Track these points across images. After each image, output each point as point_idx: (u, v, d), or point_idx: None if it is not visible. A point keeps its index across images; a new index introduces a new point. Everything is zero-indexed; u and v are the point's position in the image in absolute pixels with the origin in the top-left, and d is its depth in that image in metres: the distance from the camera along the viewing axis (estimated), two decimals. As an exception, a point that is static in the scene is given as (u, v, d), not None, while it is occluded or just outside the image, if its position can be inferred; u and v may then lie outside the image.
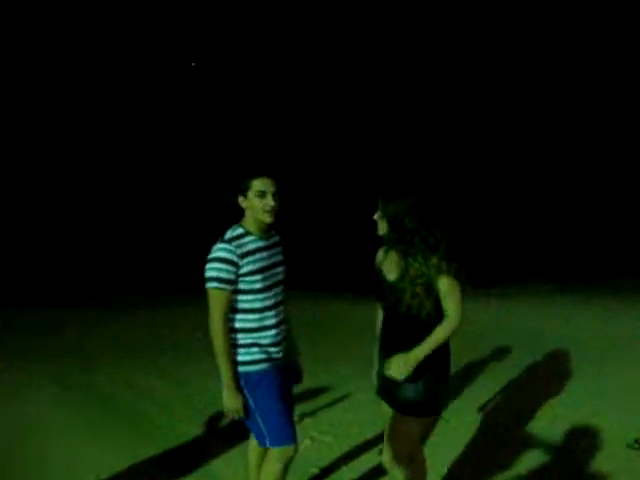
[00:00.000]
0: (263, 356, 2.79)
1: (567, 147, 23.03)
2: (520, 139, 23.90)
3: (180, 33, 29.05)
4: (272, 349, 2.82)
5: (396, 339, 2.83)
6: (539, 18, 23.86)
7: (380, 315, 3.01)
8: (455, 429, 4.44)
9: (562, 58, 23.48)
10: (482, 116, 24.58)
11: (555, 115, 23.62)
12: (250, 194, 2.71)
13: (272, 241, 2.86)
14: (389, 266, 2.83)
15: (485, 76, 24.57)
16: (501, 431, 4.45)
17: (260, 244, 2.76)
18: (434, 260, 2.68)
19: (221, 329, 2.67)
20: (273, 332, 2.82)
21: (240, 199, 2.74)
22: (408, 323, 2.76)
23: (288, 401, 2.94)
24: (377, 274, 2.91)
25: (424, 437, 3.04)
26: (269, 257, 2.80)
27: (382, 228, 2.81)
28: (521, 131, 24.01)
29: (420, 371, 2.75)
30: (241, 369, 2.76)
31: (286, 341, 2.95)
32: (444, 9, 25.07)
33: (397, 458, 2.90)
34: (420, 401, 2.78)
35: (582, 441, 4.25)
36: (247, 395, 2.76)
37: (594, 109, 22.98)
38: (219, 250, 2.66)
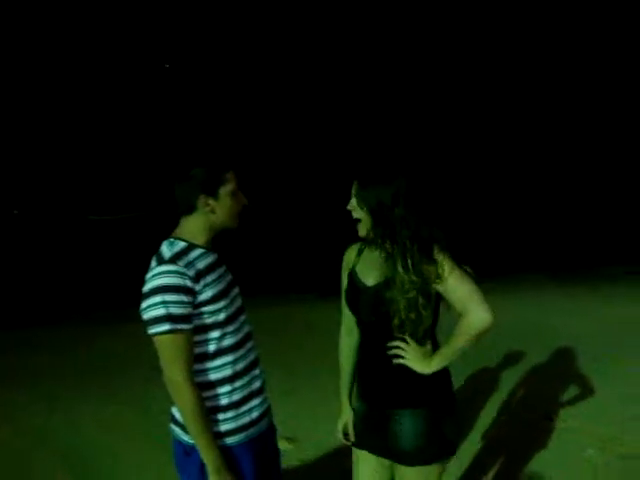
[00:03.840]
0: (242, 420, 2.00)
1: (557, 139, 22.79)
2: (511, 131, 23.58)
3: (154, 35, 28.44)
4: (254, 402, 2.04)
5: (385, 366, 2.11)
6: (539, 18, 23.62)
7: (349, 337, 2.29)
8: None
9: (562, 51, 23.22)
10: (473, 107, 24.19)
11: (547, 107, 23.34)
12: (222, 192, 1.96)
13: (217, 256, 2.05)
14: (367, 268, 2.13)
15: (480, 69, 24.23)
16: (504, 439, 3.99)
17: (211, 259, 1.97)
18: (435, 256, 2.01)
19: (189, 390, 1.83)
20: (248, 378, 2.03)
21: (201, 200, 1.94)
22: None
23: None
24: (350, 280, 2.17)
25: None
26: (224, 275, 2.02)
27: (363, 224, 2.08)
28: (512, 123, 23.68)
29: (420, 398, 2.11)
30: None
31: (265, 388, 2.14)
32: (442, 7, 24.64)
33: None
34: (429, 441, 2.12)
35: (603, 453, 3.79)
36: None
37: (587, 102, 22.77)
38: (163, 275, 1.83)
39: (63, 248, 16.86)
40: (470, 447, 3.94)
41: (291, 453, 3.85)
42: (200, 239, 1.98)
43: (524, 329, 6.85)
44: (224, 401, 1.95)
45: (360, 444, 2.27)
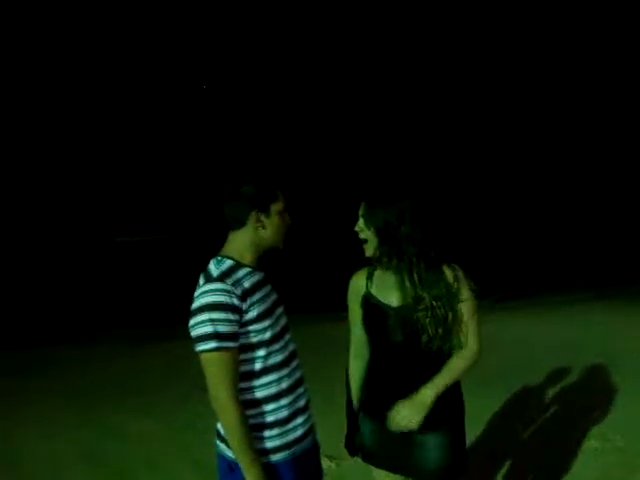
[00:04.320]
0: (285, 438, 1.99)
1: (573, 150, 22.37)
2: (523, 141, 23.22)
3: (191, 56, 28.95)
4: (298, 419, 2.03)
5: (409, 387, 2.14)
6: (539, 18, 23.39)
7: (358, 361, 2.33)
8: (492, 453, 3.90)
9: (562, 58, 22.97)
10: (484, 119, 23.91)
11: (564, 116, 22.97)
12: (273, 209, 2.00)
13: (263, 275, 2.05)
14: (386, 290, 2.17)
15: (482, 77, 24.00)
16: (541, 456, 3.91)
17: (257, 278, 1.98)
18: (448, 273, 2.11)
19: (234, 408, 1.84)
20: (293, 397, 2.02)
21: (252, 216, 1.97)
22: (427, 361, 2.13)
23: None
24: (368, 304, 2.21)
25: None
26: (269, 294, 2.03)
27: (370, 244, 2.15)
28: (525, 134, 23.33)
29: (440, 418, 2.16)
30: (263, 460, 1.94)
31: (309, 407, 2.13)
32: (439, 8, 24.57)
33: None
34: (453, 458, 2.18)
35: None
36: None
37: (606, 109, 22.38)
38: (211, 293, 1.84)
39: (90, 269, 17.15)
40: (508, 465, 3.88)
41: (333, 471, 3.83)
42: (247, 257, 2.00)
43: (567, 346, 6.73)
44: (269, 419, 1.97)
45: (377, 463, 2.30)
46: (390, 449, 2.23)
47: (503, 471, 3.83)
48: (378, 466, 2.30)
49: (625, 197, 19.44)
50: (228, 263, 1.96)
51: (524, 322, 8.52)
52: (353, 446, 2.36)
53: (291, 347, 2.07)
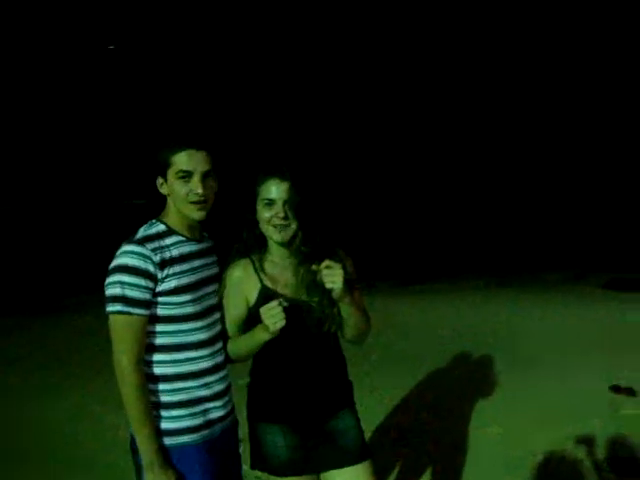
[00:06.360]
0: (197, 420, 1.87)
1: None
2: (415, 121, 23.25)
3: (97, 15, 27.41)
4: (213, 403, 1.92)
5: (326, 375, 2.08)
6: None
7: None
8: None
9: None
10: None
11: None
12: (170, 175, 1.85)
13: (205, 246, 1.96)
14: (282, 280, 2.01)
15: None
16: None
17: (189, 249, 1.88)
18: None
19: (134, 376, 1.74)
20: (211, 379, 1.91)
21: (159, 182, 1.89)
22: (328, 347, 2.06)
23: None
24: (263, 298, 1.95)
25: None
26: (201, 269, 1.91)
27: (290, 230, 1.96)
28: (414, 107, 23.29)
29: (347, 398, 2.16)
30: (166, 442, 1.82)
31: (229, 391, 2.03)
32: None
33: None
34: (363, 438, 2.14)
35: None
36: None
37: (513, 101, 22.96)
38: (125, 255, 1.76)
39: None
40: (411, 447, 3.91)
41: (243, 454, 3.70)
42: (179, 225, 1.90)
43: (470, 331, 6.94)
44: (180, 397, 1.86)
45: (302, 470, 2.02)
46: (316, 446, 2.03)
47: (406, 453, 3.84)
48: (295, 474, 2.01)
49: (532, 189, 20.06)
50: (158, 227, 1.87)
51: (430, 306, 8.70)
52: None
53: (218, 327, 1.96)
